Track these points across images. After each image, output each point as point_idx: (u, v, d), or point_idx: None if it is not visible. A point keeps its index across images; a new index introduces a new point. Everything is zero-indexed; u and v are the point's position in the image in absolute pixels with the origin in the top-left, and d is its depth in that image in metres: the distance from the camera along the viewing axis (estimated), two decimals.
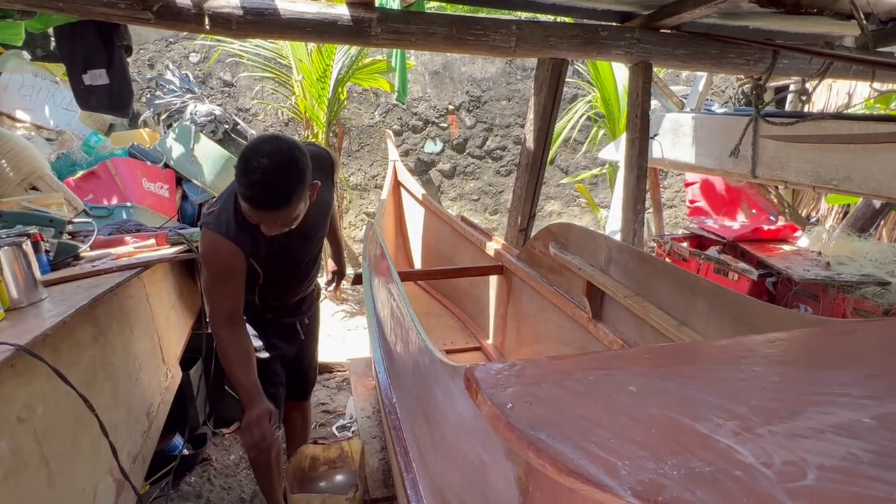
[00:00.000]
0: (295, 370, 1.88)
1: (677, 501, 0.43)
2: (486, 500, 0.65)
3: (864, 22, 1.96)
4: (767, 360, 0.66)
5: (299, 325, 1.79)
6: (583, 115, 4.50)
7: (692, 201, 4.29)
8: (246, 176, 1.25)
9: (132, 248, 1.75)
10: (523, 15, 3.71)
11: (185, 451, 2.23)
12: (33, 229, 1.46)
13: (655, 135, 2.89)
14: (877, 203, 3.17)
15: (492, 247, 2.49)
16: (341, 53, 3.91)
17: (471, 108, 5.31)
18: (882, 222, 3.52)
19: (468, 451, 0.70)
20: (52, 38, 4.12)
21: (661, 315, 1.44)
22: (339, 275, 2.09)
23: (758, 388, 0.59)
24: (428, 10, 2.35)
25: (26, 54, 4.19)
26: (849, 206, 3.89)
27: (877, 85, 2.84)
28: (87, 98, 1.99)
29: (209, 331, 2.25)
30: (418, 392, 1.00)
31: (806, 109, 3.07)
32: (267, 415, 1.45)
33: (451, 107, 5.26)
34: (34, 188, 2.12)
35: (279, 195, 1.27)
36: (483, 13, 3.23)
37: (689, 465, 0.46)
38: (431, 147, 5.27)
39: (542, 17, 2.44)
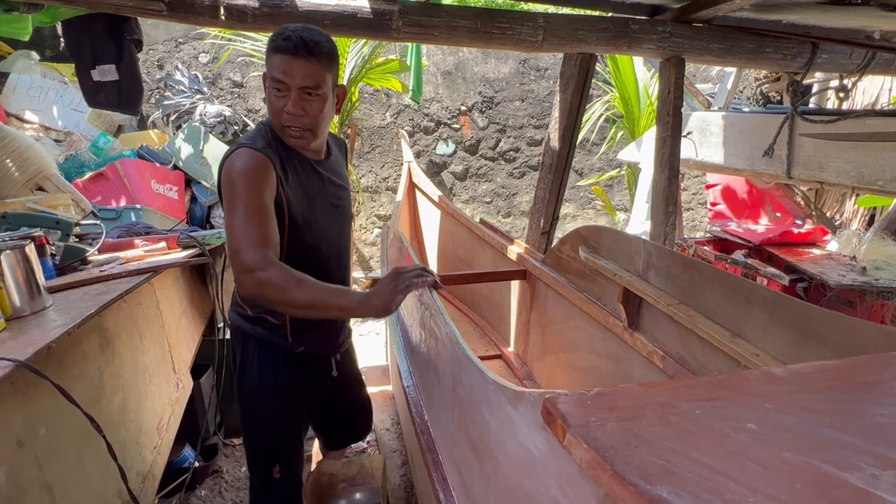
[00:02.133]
0: (332, 415, 1.60)
1: None
2: None
3: None
4: None
5: (333, 362, 1.46)
6: (600, 115, 4.39)
7: (714, 204, 4.17)
8: (281, 32, 1.20)
9: (142, 252, 1.67)
10: (541, 8, 3.61)
11: (196, 464, 2.14)
12: (38, 232, 1.37)
13: (689, 133, 2.78)
14: None
15: (514, 250, 2.39)
16: (353, 53, 3.83)
17: (483, 109, 5.21)
18: None
19: (538, 493, 0.60)
20: (61, 37, 4.07)
21: (710, 325, 1.33)
22: None
23: None
24: (448, 4, 2.26)
25: (35, 55, 4.13)
26: (875, 209, 3.76)
27: None
28: (95, 95, 1.91)
29: (220, 337, 2.17)
30: (460, 413, 0.90)
31: (843, 107, 2.95)
32: (393, 280, 1.13)
33: (463, 107, 5.17)
34: (40, 189, 2.04)
35: (313, 43, 1.18)
36: (506, 5, 3.14)
37: None
38: (443, 148, 5.17)
39: (567, 11, 2.34)
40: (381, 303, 1.10)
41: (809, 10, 2.13)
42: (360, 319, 3.91)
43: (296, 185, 1.25)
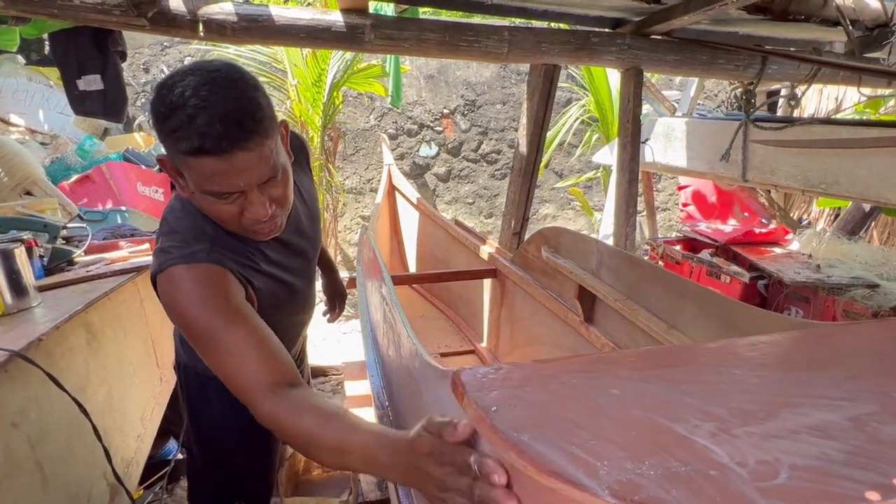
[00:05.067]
0: None
1: (653, 500, 0.44)
2: None
3: (851, 28, 1.99)
4: (748, 363, 0.68)
5: None
6: (577, 119, 4.53)
7: (685, 205, 4.32)
8: (175, 114, 0.76)
9: (126, 253, 1.76)
10: (516, 21, 3.74)
11: (180, 456, 2.23)
12: (27, 235, 1.47)
13: (646, 139, 2.92)
14: (866, 206, 3.21)
15: (485, 250, 2.50)
16: (336, 58, 3.94)
17: (466, 112, 5.33)
18: (872, 225, 3.55)
19: None
20: (47, 43, 4.13)
21: (651, 318, 1.45)
22: (339, 298, 1.67)
23: (737, 391, 0.61)
24: (422, 17, 2.37)
25: (20, 58, 4.19)
26: (839, 209, 3.94)
27: (867, 90, 2.89)
28: (81, 103, 2.00)
29: None
30: (409, 395, 1.02)
31: (795, 114, 3.11)
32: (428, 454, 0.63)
33: (445, 110, 5.29)
34: (28, 193, 2.12)
35: (242, 112, 0.77)
36: (477, 19, 3.26)
37: (666, 465, 0.48)
38: (426, 151, 5.28)
39: (536, 24, 2.46)
40: (401, 480, 0.71)
41: (761, 24, 2.27)
42: (343, 318, 4.02)
43: (263, 275, 0.98)
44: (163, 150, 0.84)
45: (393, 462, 0.66)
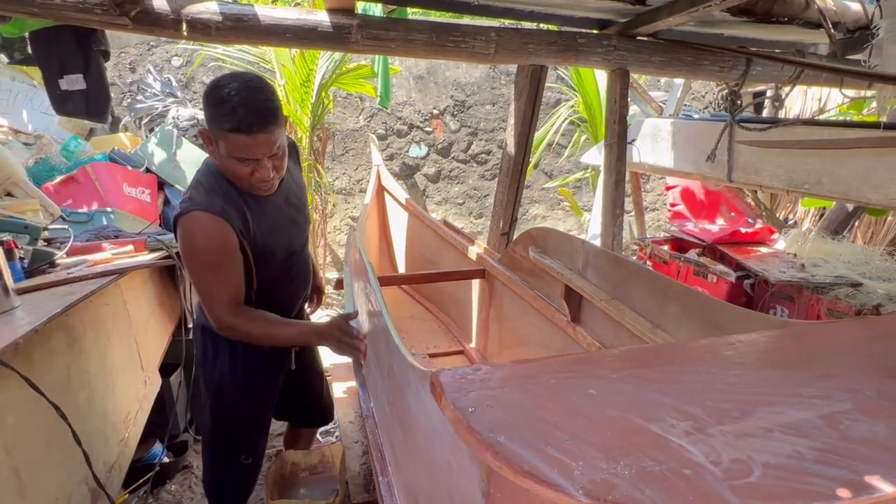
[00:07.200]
0: (294, 396, 1.73)
1: (627, 500, 0.44)
2: (453, 501, 0.67)
3: (833, 31, 2.01)
4: (725, 362, 0.69)
5: (293, 356, 1.62)
6: (566, 119, 4.55)
7: (673, 205, 4.35)
8: (224, 104, 1.18)
9: (109, 255, 1.74)
10: (505, 22, 3.74)
11: (166, 459, 2.21)
12: (7, 236, 1.44)
13: (633, 140, 2.94)
14: (850, 206, 3.25)
15: (474, 251, 2.51)
16: (325, 58, 3.92)
17: (455, 113, 5.33)
18: (856, 224, 3.60)
19: (437, 453, 0.71)
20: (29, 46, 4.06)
21: (636, 318, 1.46)
22: (317, 292, 1.85)
23: (713, 390, 0.61)
24: (411, 17, 2.37)
25: (3, 58, 4.12)
26: (824, 209, 3.99)
27: (850, 92, 2.92)
28: (63, 103, 1.97)
29: (190, 337, 2.24)
30: (392, 396, 1.01)
31: (780, 115, 3.14)
32: (336, 326, 1.39)
33: (435, 111, 5.28)
34: (9, 194, 2.09)
35: (266, 109, 1.21)
36: (466, 20, 3.26)
37: (641, 465, 0.48)
38: (416, 151, 5.28)
39: (524, 24, 2.47)
40: (327, 344, 1.42)
41: (745, 26, 2.29)
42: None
43: (257, 228, 1.33)
44: (204, 125, 1.32)
45: (317, 332, 1.44)
